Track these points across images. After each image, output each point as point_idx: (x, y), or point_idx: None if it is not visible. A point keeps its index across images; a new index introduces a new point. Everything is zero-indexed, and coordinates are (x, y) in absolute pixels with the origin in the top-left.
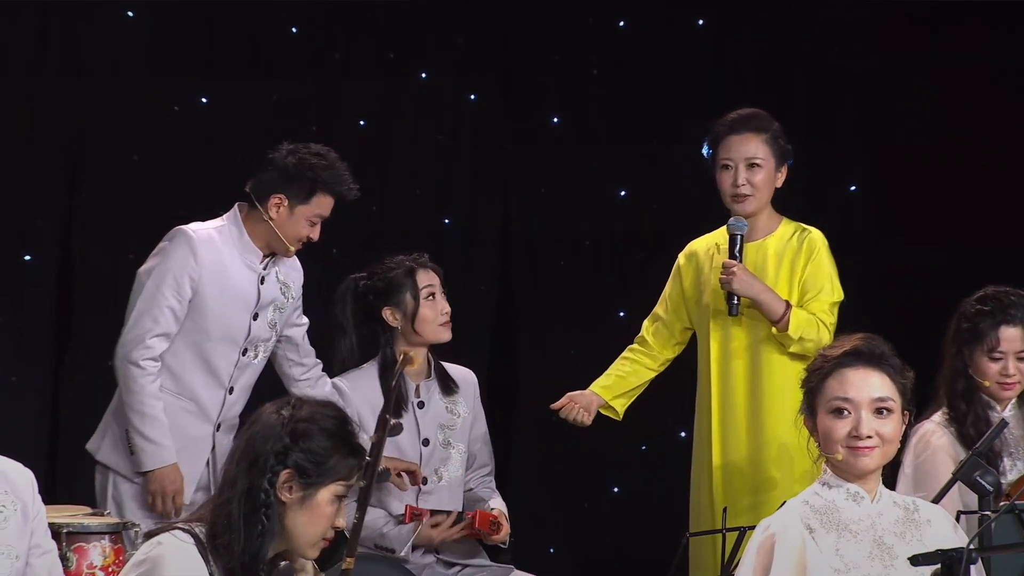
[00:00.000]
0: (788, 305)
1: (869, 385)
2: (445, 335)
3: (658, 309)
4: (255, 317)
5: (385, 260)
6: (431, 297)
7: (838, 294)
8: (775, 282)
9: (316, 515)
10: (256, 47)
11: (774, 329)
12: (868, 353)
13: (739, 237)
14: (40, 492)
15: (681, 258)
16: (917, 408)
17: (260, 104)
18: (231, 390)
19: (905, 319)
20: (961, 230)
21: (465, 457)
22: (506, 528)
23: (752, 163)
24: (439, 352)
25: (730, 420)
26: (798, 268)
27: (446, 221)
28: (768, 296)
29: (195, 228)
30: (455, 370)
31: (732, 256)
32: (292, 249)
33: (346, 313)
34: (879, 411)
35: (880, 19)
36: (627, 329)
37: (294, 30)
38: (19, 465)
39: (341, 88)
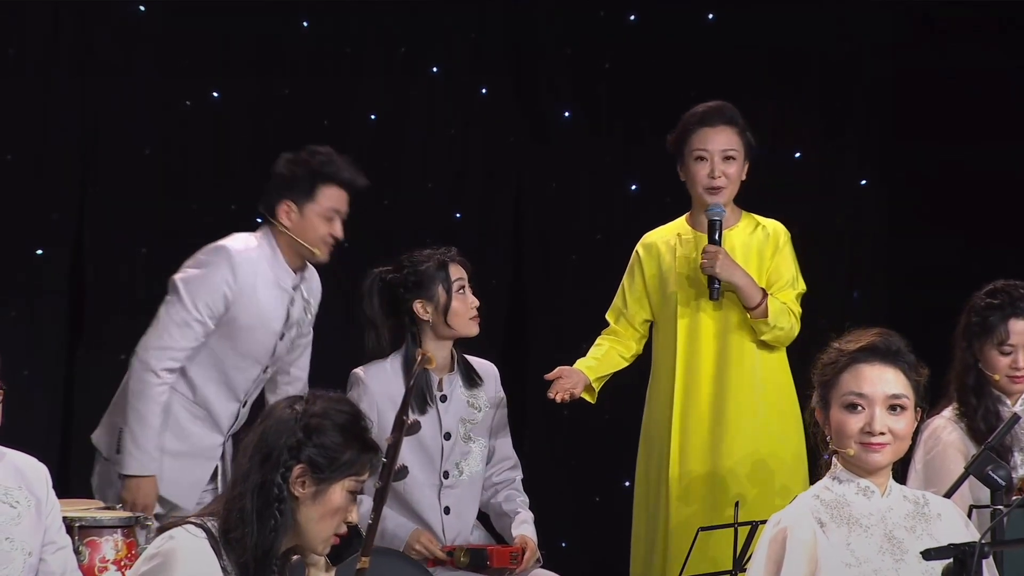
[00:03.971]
0: (765, 292)
1: (884, 381)
2: (474, 329)
3: (617, 302)
4: (281, 337)
5: (414, 253)
6: (462, 291)
7: (801, 286)
8: None
9: (329, 510)
10: (268, 42)
11: (749, 315)
12: (884, 349)
13: (718, 222)
14: (53, 486)
15: (640, 249)
16: (929, 403)
17: (272, 99)
18: (245, 403)
19: (915, 314)
20: (973, 226)
21: (486, 452)
22: (531, 549)
23: (727, 155)
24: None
25: (693, 406)
26: (765, 259)
27: (458, 215)
28: (747, 281)
29: (236, 248)
30: (478, 363)
31: (712, 241)
32: (319, 252)
33: (374, 307)
34: (893, 408)
35: (892, 15)
36: None
37: (305, 25)
38: (34, 460)
39: (353, 83)
